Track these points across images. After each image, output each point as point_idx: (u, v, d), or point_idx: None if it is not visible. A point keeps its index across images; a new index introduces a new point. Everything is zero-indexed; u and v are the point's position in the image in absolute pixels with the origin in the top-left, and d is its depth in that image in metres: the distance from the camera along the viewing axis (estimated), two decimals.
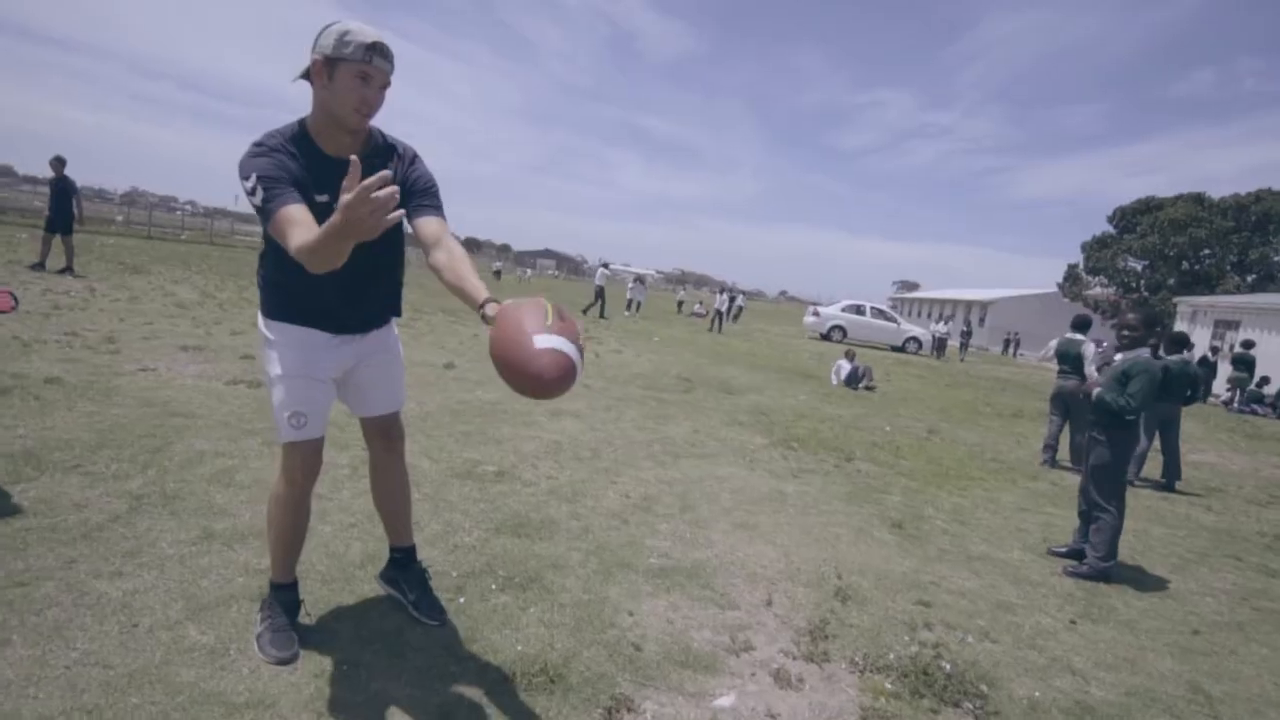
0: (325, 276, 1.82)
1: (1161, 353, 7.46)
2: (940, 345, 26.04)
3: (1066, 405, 7.56)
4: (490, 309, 1.81)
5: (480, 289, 1.89)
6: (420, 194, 2.40)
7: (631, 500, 4.42)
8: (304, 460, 2.31)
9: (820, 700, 2.61)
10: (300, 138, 2.08)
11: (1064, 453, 7.78)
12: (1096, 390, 4.35)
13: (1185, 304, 26.86)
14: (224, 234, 41.38)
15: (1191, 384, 7.26)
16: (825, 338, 25.64)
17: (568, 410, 6.70)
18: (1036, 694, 2.86)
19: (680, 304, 35.00)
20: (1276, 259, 28.61)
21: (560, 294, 30.46)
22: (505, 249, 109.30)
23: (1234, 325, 23.67)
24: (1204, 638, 3.64)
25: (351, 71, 1.96)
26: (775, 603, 3.33)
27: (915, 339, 26.00)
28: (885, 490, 5.65)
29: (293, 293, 2.21)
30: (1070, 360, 7.55)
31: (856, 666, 2.89)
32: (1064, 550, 4.62)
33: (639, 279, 26.48)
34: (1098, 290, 34.75)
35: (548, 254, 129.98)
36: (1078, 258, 36.09)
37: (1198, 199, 30.30)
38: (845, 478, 5.86)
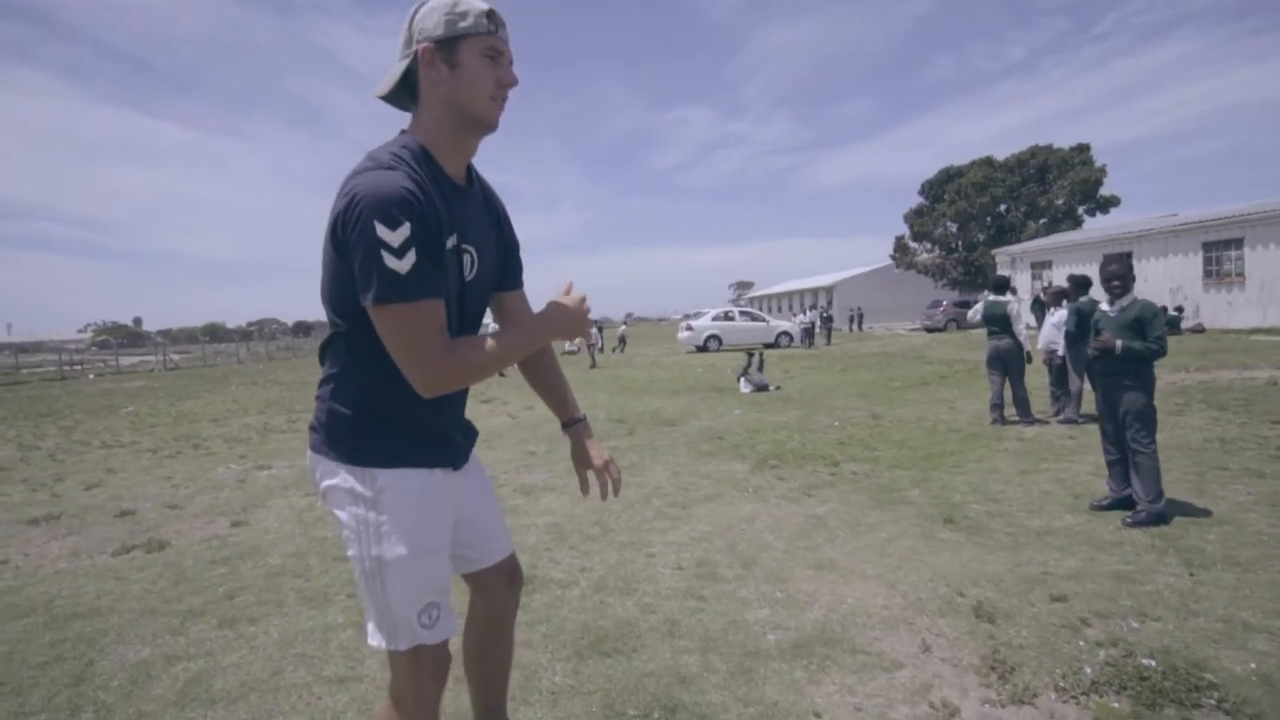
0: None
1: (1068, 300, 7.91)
2: (809, 333, 27.19)
3: (1005, 363, 7.81)
4: (578, 432, 1.82)
5: (572, 402, 1.86)
6: (512, 251, 1.78)
7: (688, 571, 3.82)
8: (437, 665, 1.57)
9: None
10: (424, 158, 1.42)
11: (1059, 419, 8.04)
12: (1119, 343, 4.32)
13: (1002, 254, 29.90)
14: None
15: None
16: (703, 349, 25.95)
17: (537, 485, 5.94)
18: (1252, 665, 2.61)
19: None
20: (1059, 202, 32.92)
21: None
22: None
23: (1048, 265, 26.61)
24: None
25: (477, 49, 1.41)
26: (932, 646, 2.88)
27: (786, 333, 26.97)
28: (898, 487, 5.41)
29: (409, 417, 1.50)
30: (998, 321, 7.82)
31: (1066, 693, 2.52)
32: (1107, 503, 4.56)
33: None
34: (924, 256, 38.10)
35: None
36: (894, 232, 39.56)
37: (989, 162, 34.27)
38: (852, 485, 5.56)
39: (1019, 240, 31.58)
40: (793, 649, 2.89)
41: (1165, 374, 10.71)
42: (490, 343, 1.40)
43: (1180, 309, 21.22)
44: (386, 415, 1.49)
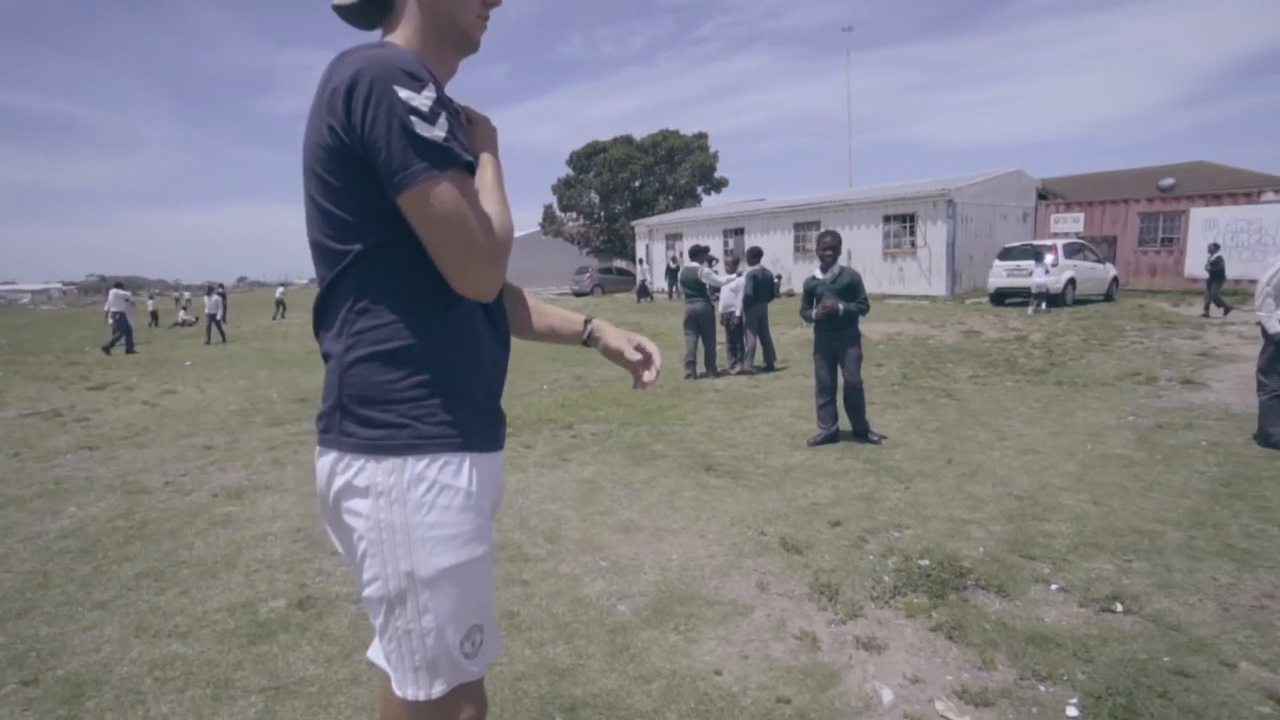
0: (484, 323, 1.24)
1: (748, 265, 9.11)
2: None
3: (699, 324, 8.69)
4: (596, 328, 1.48)
5: (570, 314, 1.52)
6: None
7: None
8: (478, 705, 1.27)
9: None
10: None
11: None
12: (842, 305, 5.10)
13: (641, 225, 33.20)
14: None
15: (771, 286, 9.11)
16: None
17: (243, 486, 4.83)
18: (981, 549, 3.35)
19: (155, 315, 28.15)
20: (683, 182, 37.76)
21: (54, 330, 20.88)
22: None
23: (679, 236, 30.29)
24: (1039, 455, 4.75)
25: None
26: (768, 584, 3.11)
27: None
28: (641, 444, 5.69)
29: (456, 372, 1.20)
30: (693, 285, 8.64)
31: (880, 600, 2.94)
32: (820, 439, 5.40)
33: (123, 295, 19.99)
34: (571, 225, 40.40)
35: None
36: (541, 200, 41.26)
37: (628, 140, 37.56)
38: (599, 445, 5.69)
39: (654, 213, 35.49)
40: (653, 615, 2.86)
41: (803, 328, 13.11)
42: (485, 179, 1.20)
43: (779, 276, 26.17)
44: (431, 360, 1.16)
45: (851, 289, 5.24)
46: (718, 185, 39.17)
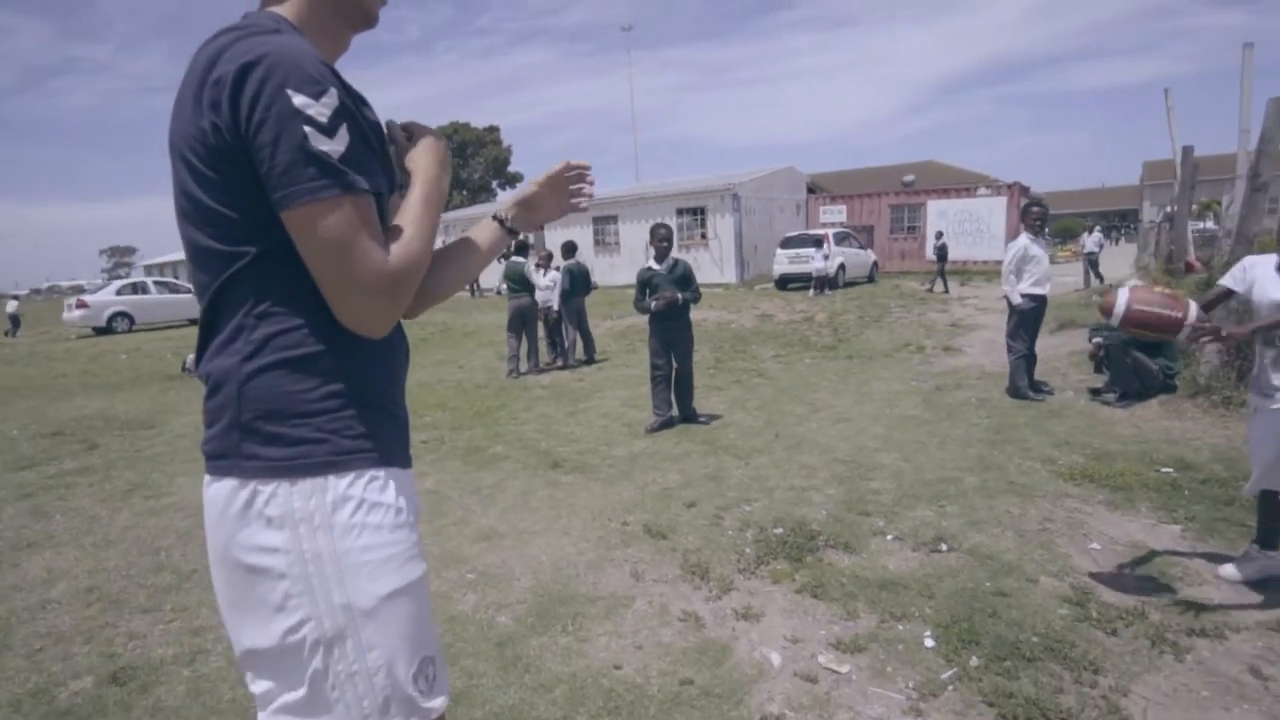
0: (398, 331, 1.14)
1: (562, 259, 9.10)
2: None
3: (524, 319, 8.55)
4: (515, 216, 1.31)
5: (482, 226, 1.30)
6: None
7: None
8: None
9: None
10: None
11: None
12: (680, 295, 5.29)
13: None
14: None
15: (587, 280, 9.20)
16: (107, 330, 20.64)
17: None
18: (824, 512, 3.67)
19: None
20: (476, 176, 36.93)
21: None
22: None
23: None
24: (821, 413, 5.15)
25: None
26: (641, 573, 3.15)
27: None
28: (479, 446, 5.51)
29: (372, 381, 1.09)
30: (518, 280, 8.47)
31: (747, 572, 3.13)
32: (658, 425, 5.57)
33: None
34: None
35: None
36: None
37: None
38: (435, 452, 5.42)
39: (448, 209, 34.41)
40: (537, 620, 2.78)
41: (616, 320, 13.35)
42: (408, 200, 1.08)
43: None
44: (358, 384, 1.05)
45: (686, 279, 5.46)
46: (512, 180, 38.79)
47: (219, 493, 1.01)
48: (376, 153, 1.04)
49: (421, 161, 1.13)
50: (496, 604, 2.94)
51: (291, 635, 1.00)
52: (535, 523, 3.80)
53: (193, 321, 22.54)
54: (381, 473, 1.05)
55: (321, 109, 0.93)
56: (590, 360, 9.35)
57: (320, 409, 1.01)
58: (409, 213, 1.06)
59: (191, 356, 9.39)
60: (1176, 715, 2.11)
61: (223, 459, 1.01)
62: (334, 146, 0.93)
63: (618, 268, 26.74)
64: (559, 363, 9.12)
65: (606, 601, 2.92)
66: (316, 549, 0.99)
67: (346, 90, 0.99)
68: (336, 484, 1.00)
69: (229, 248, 0.99)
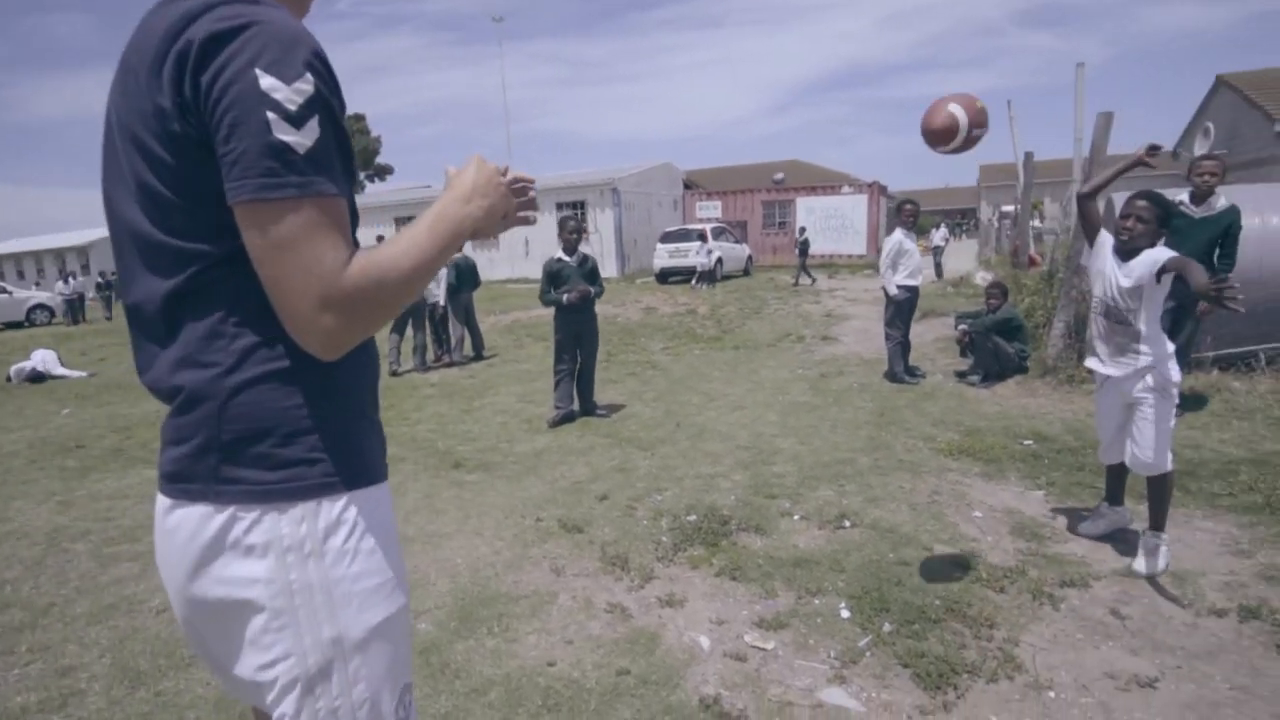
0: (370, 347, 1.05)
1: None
2: (76, 306, 21.70)
3: (410, 315, 8.23)
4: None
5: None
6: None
7: None
8: None
9: None
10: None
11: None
12: (592, 289, 5.26)
13: None
14: None
15: (474, 274, 8.97)
16: None
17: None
18: (732, 498, 3.79)
19: None
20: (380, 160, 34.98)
21: None
22: None
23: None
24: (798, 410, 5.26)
25: None
26: (562, 568, 3.13)
27: (43, 306, 20.93)
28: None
29: (361, 391, 1.02)
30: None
31: (666, 559, 3.19)
32: (559, 418, 5.53)
33: None
34: None
35: None
36: None
37: None
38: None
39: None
40: (460, 625, 2.69)
41: (500, 315, 13.04)
42: (403, 233, 0.93)
43: None
44: (349, 395, 0.98)
45: (594, 274, 5.44)
46: (382, 172, 37.00)
47: (184, 520, 0.91)
48: (350, 155, 0.93)
49: (454, 184, 1.01)
50: (414, 611, 2.81)
51: (263, 673, 0.92)
52: (444, 525, 3.67)
53: (17, 324, 19.93)
54: (375, 491, 0.98)
55: (292, 95, 0.82)
56: (479, 356, 9.12)
57: (313, 426, 0.92)
58: (405, 231, 0.93)
59: (20, 365, 8.29)
60: (1058, 657, 2.36)
61: (191, 483, 0.90)
62: (299, 139, 0.83)
63: (497, 262, 26.25)
64: (446, 359, 8.83)
65: (530, 599, 2.87)
66: (306, 579, 0.91)
67: (331, 82, 0.88)
68: (330, 508, 0.92)
69: (187, 244, 0.88)
